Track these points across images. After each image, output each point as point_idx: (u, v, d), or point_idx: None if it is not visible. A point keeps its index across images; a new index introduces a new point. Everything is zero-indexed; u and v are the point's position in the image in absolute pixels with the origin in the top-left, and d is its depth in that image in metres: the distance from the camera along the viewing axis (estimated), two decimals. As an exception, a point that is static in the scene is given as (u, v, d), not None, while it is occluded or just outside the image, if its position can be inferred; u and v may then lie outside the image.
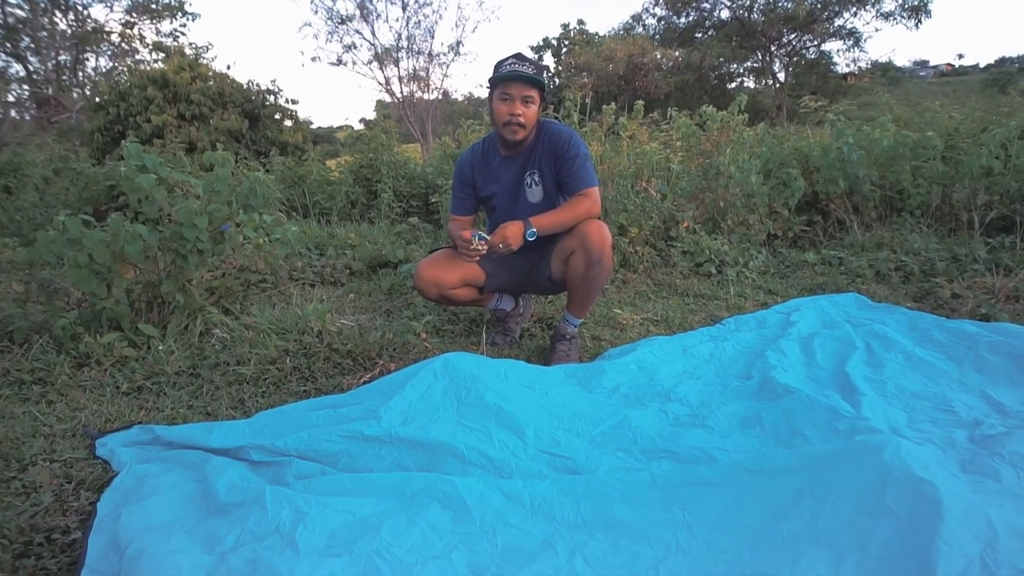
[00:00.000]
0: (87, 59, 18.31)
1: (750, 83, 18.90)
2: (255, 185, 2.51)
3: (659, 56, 15.79)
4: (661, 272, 3.52)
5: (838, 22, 16.55)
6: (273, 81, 14.44)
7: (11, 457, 1.53)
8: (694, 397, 1.80)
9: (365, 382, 2.03)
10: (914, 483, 1.00)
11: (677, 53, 16.35)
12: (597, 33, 19.51)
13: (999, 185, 3.76)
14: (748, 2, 16.38)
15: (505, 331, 2.47)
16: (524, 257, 2.27)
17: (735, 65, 17.58)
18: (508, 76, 2.04)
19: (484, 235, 2.03)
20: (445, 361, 1.68)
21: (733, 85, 18.18)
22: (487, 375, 1.68)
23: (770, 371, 1.88)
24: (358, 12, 15.35)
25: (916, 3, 15.63)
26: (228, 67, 16.35)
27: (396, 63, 15.22)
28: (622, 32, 17.72)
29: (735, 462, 1.26)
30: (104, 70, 18.36)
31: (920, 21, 15.97)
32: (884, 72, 20.43)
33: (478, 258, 2.09)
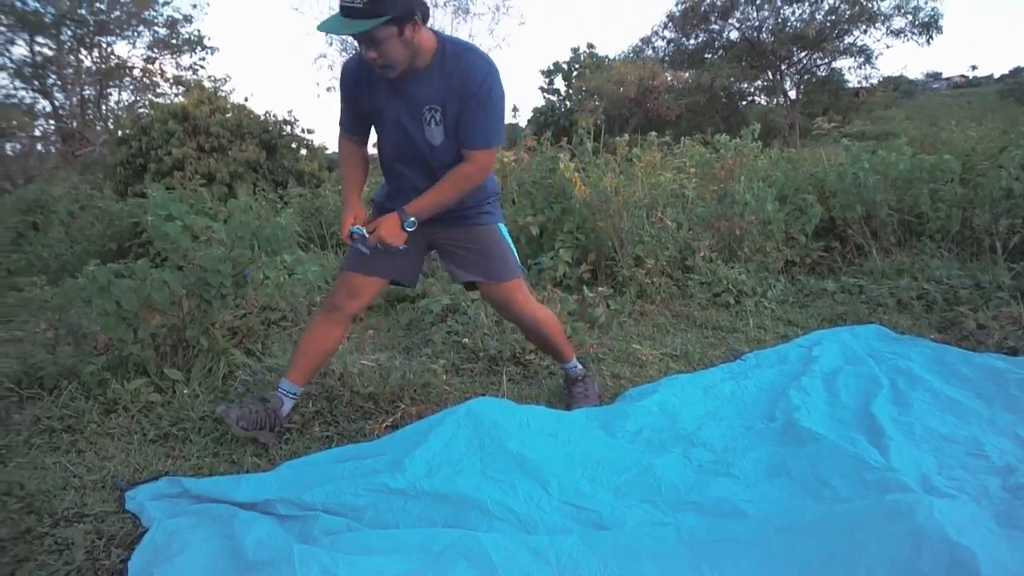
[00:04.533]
0: (110, 94, 18.85)
1: (761, 101, 18.96)
2: (276, 231, 2.55)
3: (669, 78, 15.91)
4: (679, 303, 3.51)
5: (848, 40, 16.60)
6: (290, 112, 14.73)
7: (44, 512, 1.55)
8: (718, 441, 1.79)
9: (387, 427, 2.05)
10: (950, 548, 0.98)
11: (687, 74, 16.47)
12: (607, 56, 19.73)
13: (1021, 208, 3.72)
14: (757, 23, 16.50)
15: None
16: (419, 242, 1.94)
17: (745, 84, 17.66)
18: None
19: (362, 231, 1.77)
20: (468, 409, 1.69)
21: (744, 104, 18.23)
22: (510, 423, 1.68)
23: (794, 412, 1.87)
24: (372, 42, 15.64)
25: (926, 20, 15.65)
26: (246, 99, 16.76)
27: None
28: (632, 55, 17.91)
29: (764, 517, 1.25)
30: (126, 104, 18.88)
31: (931, 37, 15.98)
32: (896, 86, 20.38)
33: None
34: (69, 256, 5.16)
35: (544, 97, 20.27)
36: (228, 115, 12.55)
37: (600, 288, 3.25)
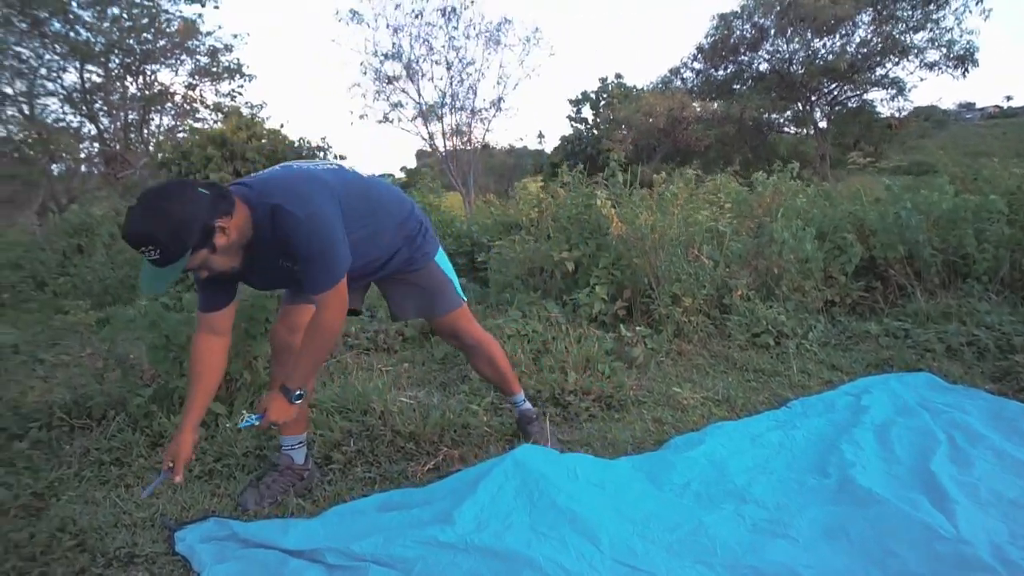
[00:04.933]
0: (152, 118, 19.50)
1: (790, 131, 18.84)
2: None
3: (698, 109, 15.95)
4: (717, 343, 3.46)
5: (880, 72, 16.48)
6: (323, 138, 15.04)
7: (96, 551, 1.57)
8: (769, 497, 1.74)
9: (429, 469, 2.03)
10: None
11: (715, 105, 16.50)
12: (635, 87, 19.91)
13: (1074, 252, 3.60)
14: (787, 55, 16.51)
15: None
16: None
17: (775, 115, 17.59)
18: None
19: (252, 420, 1.68)
20: (515, 460, 1.67)
21: (773, 134, 18.16)
22: (557, 474, 1.66)
23: (848, 469, 1.81)
24: (404, 72, 16.07)
25: (961, 52, 15.46)
26: (281, 125, 17.21)
27: (440, 119, 15.80)
28: (660, 86, 18.05)
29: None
30: (166, 128, 19.51)
31: (967, 70, 15.78)
32: (928, 116, 20.10)
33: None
34: (112, 280, 5.30)
35: (572, 126, 20.49)
36: (264, 141, 12.93)
37: (638, 328, 3.22)
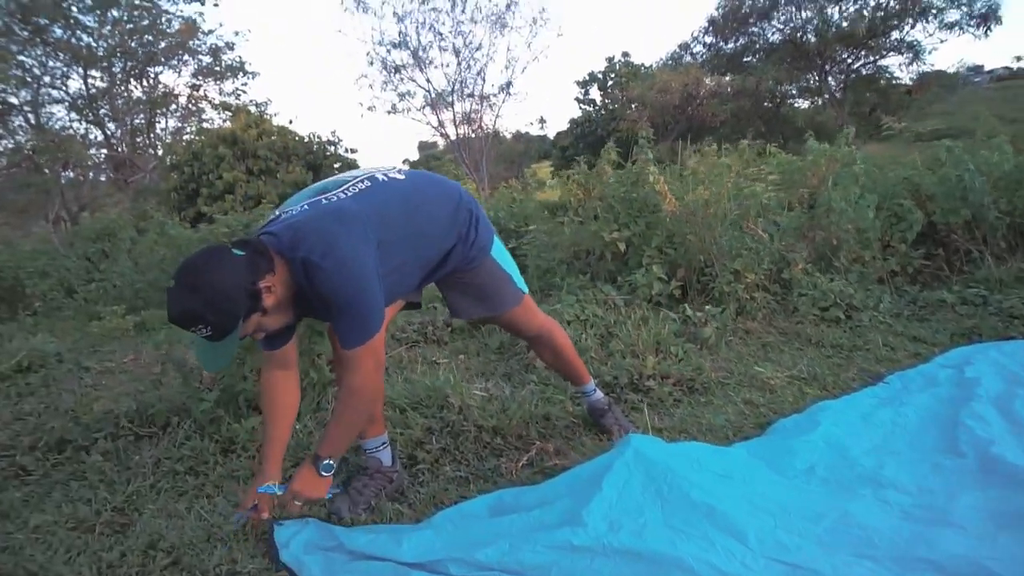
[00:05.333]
0: (158, 121, 19.41)
1: (804, 104, 18.48)
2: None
3: (710, 83, 15.64)
4: (782, 319, 3.31)
5: (896, 35, 16.05)
6: (333, 132, 14.89)
7: (195, 569, 1.45)
8: (908, 481, 1.60)
9: (524, 465, 1.91)
10: None
11: (728, 78, 16.16)
12: (643, 64, 19.56)
13: None
14: (800, 23, 16.11)
15: None
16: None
17: (789, 87, 17.22)
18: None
19: (274, 488, 1.54)
20: (636, 452, 1.54)
21: (788, 106, 17.80)
22: (681, 465, 1.53)
23: (989, 447, 1.67)
24: (412, 60, 15.83)
25: (984, 10, 15.01)
26: (290, 121, 17.06)
27: (450, 106, 15.58)
28: (670, 63, 17.69)
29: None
30: (172, 131, 19.42)
31: (990, 29, 15.32)
32: (936, 80, 19.61)
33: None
34: (143, 285, 5.20)
35: (580, 108, 20.19)
36: (274, 138, 12.79)
37: (708, 307, 3.08)
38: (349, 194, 1.56)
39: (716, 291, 3.42)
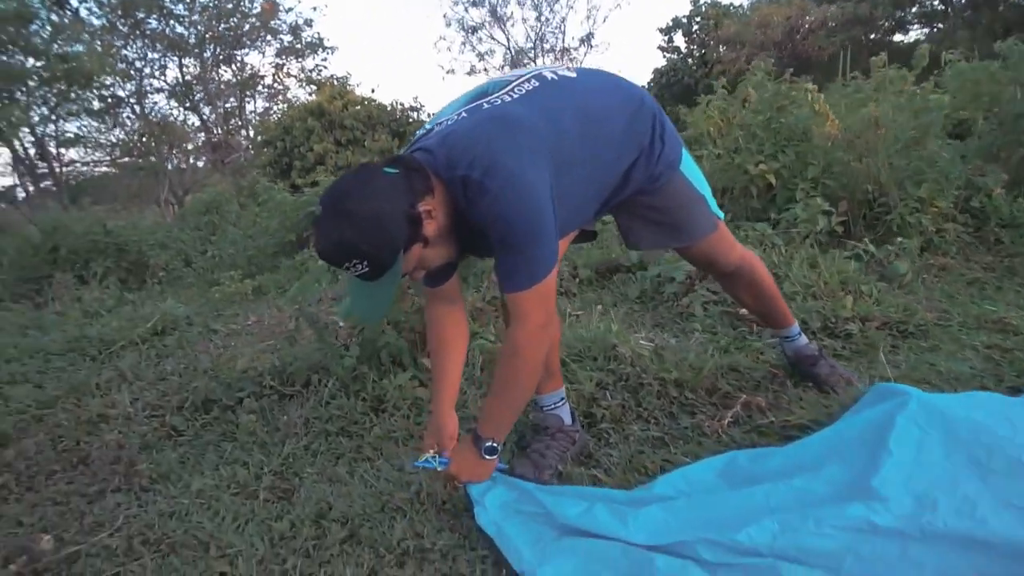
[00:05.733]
0: (247, 103, 20.13)
1: (921, 34, 16.42)
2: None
3: (815, 16, 14.13)
4: (984, 254, 2.76)
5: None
6: (415, 98, 14.78)
7: (377, 544, 1.24)
8: None
9: (730, 423, 1.58)
10: None
11: (832, 8, 14.54)
12: (732, 3, 18.03)
13: None
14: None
15: None
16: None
17: (910, 10, 15.27)
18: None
19: (433, 463, 1.34)
20: (922, 404, 1.17)
21: (904, 37, 15.88)
22: (989, 420, 1.14)
23: None
24: (490, 18, 15.35)
25: None
26: (372, 91, 17.17)
27: (531, 61, 15.01)
28: (765, -1, 16.16)
29: None
30: (261, 111, 20.09)
31: None
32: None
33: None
34: (254, 252, 5.24)
35: (664, 56, 18.99)
36: (359, 108, 12.83)
37: (899, 239, 2.59)
38: (514, 96, 1.25)
39: (893, 224, 2.90)
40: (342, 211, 1.10)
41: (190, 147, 19.60)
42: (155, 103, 18.20)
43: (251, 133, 18.60)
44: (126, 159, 17.99)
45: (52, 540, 1.34)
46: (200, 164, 20.31)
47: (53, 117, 14.69)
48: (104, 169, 18.78)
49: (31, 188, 15.72)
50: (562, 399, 1.59)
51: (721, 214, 1.55)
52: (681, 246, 1.52)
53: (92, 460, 1.72)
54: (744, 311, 2.24)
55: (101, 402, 2.15)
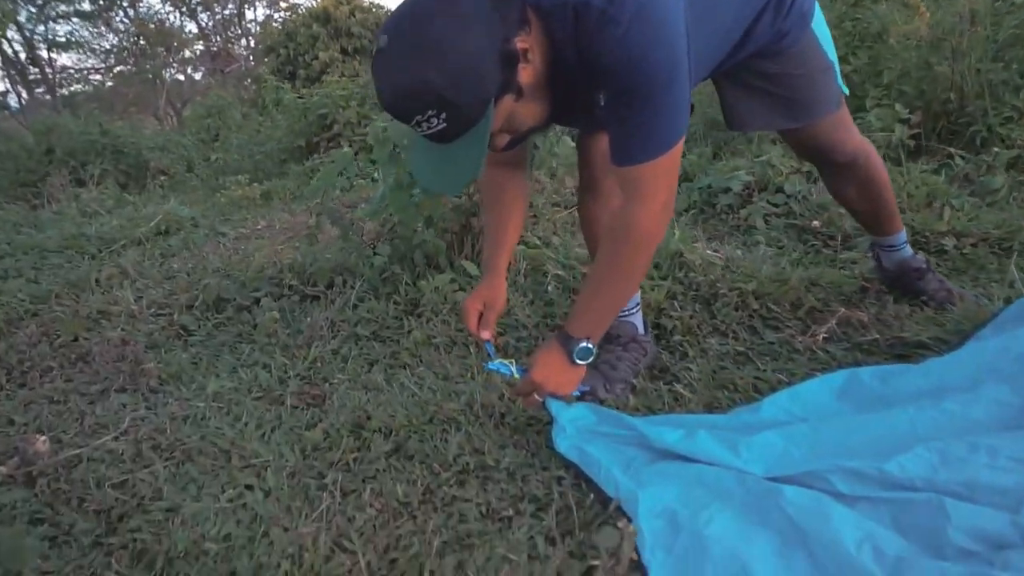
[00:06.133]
0: (247, 10, 19.03)
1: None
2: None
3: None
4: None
5: None
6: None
7: (430, 460, 1.05)
8: None
9: (825, 339, 1.37)
10: None
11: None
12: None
13: None
14: None
15: None
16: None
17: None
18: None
19: (510, 368, 1.11)
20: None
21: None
22: None
23: None
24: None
25: None
26: (378, -5, 16.08)
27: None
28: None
29: None
30: (262, 20, 19.03)
31: None
32: None
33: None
34: (260, 157, 4.93)
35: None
36: (367, 14, 12.08)
37: (996, 150, 2.30)
38: None
39: (977, 137, 2.60)
40: (419, 43, 0.82)
41: (188, 55, 18.70)
42: (150, 6, 17.15)
43: (251, 43, 17.68)
44: (121, 67, 17.20)
45: (48, 441, 1.17)
46: (198, 77, 19.47)
47: (42, 17, 13.89)
48: (98, 78, 18.00)
49: (24, 96, 15.10)
50: (637, 304, 1.37)
51: (846, 88, 1.27)
52: (797, 126, 1.25)
53: (93, 357, 1.53)
54: (815, 223, 1.99)
55: (102, 298, 1.95)
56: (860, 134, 1.37)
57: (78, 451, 1.15)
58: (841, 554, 0.75)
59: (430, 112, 0.83)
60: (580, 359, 1.05)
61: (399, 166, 1.67)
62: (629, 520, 0.86)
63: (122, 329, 1.72)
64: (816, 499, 0.84)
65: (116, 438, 1.19)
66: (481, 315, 1.16)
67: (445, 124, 0.85)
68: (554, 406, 1.06)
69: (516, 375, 1.09)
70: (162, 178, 4.99)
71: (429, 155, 0.93)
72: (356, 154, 3.87)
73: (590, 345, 1.04)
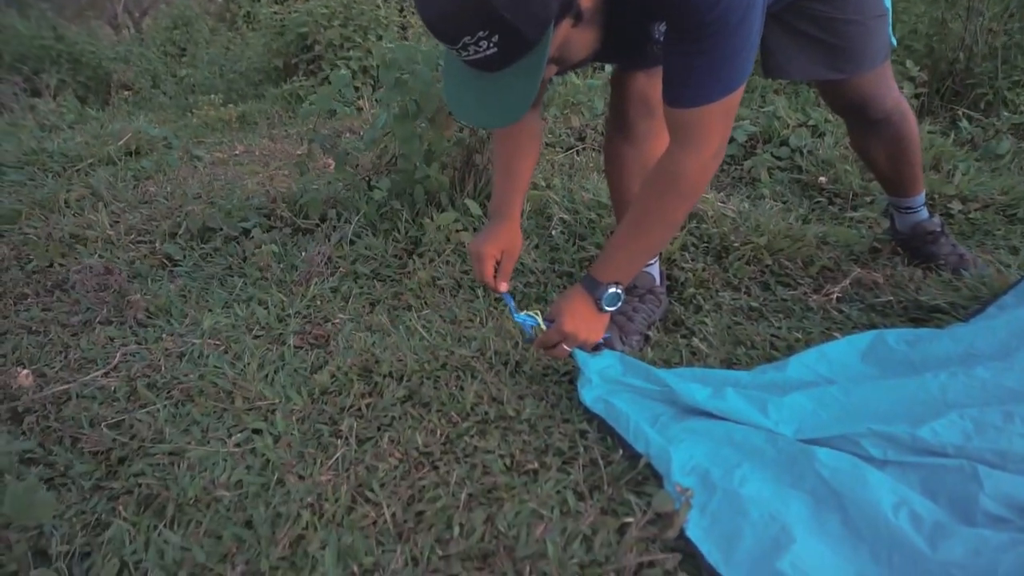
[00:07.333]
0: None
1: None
2: None
3: None
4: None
5: None
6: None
7: (447, 409, 1.01)
8: None
9: (839, 298, 1.36)
10: None
11: None
12: None
13: None
14: None
15: None
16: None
17: None
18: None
19: (536, 319, 1.07)
20: None
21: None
22: None
23: None
24: None
25: None
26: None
27: None
28: None
29: None
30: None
31: None
32: None
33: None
34: (234, 77, 4.63)
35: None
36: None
37: (1005, 113, 2.28)
38: None
39: (984, 100, 2.57)
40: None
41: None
42: None
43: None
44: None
45: (31, 376, 1.09)
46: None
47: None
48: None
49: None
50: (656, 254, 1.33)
51: (895, 39, 1.21)
52: (841, 77, 1.19)
53: (72, 285, 1.42)
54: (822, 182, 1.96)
55: (74, 221, 1.82)
56: (898, 90, 1.32)
57: (66, 387, 1.07)
58: (878, 518, 0.75)
59: (481, 33, 0.74)
60: (608, 305, 1.01)
61: (406, 93, 1.56)
62: (660, 478, 0.85)
63: (100, 256, 1.61)
64: (851, 462, 0.83)
65: (106, 374, 1.12)
66: (497, 264, 1.11)
67: (496, 49, 0.76)
68: (581, 357, 1.02)
69: (543, 327, 1.04)
70: (126, 93, 4.65)
71: (469, 84, 0.84)
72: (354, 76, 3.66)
73: (619, 291, 1.01)
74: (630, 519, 0.79)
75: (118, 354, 1.16)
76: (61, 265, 1.56)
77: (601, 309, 1.01)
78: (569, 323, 0.99)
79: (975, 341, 1.00)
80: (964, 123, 2.36)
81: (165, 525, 0.80)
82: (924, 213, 1.49)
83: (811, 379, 1.00)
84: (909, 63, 2.59)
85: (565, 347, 1.01)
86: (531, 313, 1.05)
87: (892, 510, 0.75)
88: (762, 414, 0.91)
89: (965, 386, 0.91)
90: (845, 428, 0.87)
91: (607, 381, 1.00)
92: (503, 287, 1.10)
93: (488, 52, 0.76)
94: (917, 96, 2.68)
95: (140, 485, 0.86)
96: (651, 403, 0.98)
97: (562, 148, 2.82)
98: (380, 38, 3.88)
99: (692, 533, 0.76)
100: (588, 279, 1.02)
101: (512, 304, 1.09)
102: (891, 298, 1.33)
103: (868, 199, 1.91)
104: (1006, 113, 2.29)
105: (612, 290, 1.00)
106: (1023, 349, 0.94)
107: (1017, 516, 0.75)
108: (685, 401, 0.95)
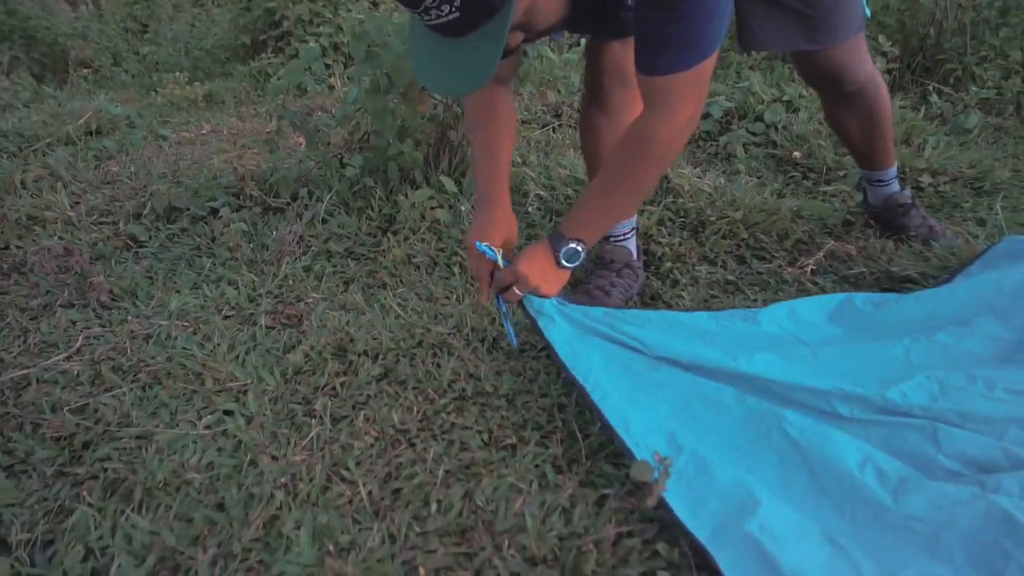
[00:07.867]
0: None
1: None
2: None
3: None
4: (1040, 115, 2.52)
5: None
6: None
7: (424, 386, 1.00)
8: None
9: (813, 270, 1.37)
10: None
11: None
12: None
13: None
14: None
15: None
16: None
17: None
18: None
19: (496, 254, 1.03)
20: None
21: None
22: None
23: None
24: None
25: None
26: None
27: None
28: None
29: None
30: None
31: None
32: None
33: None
34: (199, 55, 4.47)
35: None
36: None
37: (973, 88, 2.31)
38: None
39: (952, 76, 2.60)
40: None
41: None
42: None
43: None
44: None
45: (-11, 360, 1.04)
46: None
47: None
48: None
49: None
50: (633, 229, 1.33)
51: (868, 11, 1.21)
52: (817, 48, 1.18)
53: (30, 267, 1.37)
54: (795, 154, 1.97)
55: (31, 202, 1.74)
56: (872, 63, 1.32)
57: (25, 372, 1.04)
58: (843, 475, 0.76)
59: None
60: (567, 261, 1.00)
61: (378, 66, 1.51)
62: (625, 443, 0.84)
63: (60, 237, 1.55)
64: (816, 421, 0.84)
65: (69, 358, 1.08)
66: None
67: (458, 13, 0.74)
68: (535, 302, 1.01)
69: (501, 264, 1.01)
70: (85, 71, 4.47)
71: (434, 50, 0.81)
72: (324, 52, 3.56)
73: (579, 248, 0.99)
74: (608, 491, 0.79)
75: (80, 337, 1.13)
76: (18, 247, 1.50)
77: (559, 263, 1.00)
78: (524, 265, 0.98)
79: (937, 305, 1.02)
80: (934, 98, 2.39)
81: (133, 509, 0.78)
82: (895, 186, 1.51)
83: (779, 334, 1.01)
84: (881, 38, 2.61)
85: (516, 291, 0.99)
86: (491, 246, 1.02)
87: (858, 467, 0.76)
88: (733, 361, 0.92)
89: (927, 349, 0.93)
90: (816, 383, 0.88)
91: (573, 324, 0.99)
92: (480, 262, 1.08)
93: (451, 16, 0.74)
94: (889, 71, 2.71)
95: (106, 470, 0.84)
96: (621, 352, 0.97)
97: (538, 125, 2.79)
98: (350, 12, 3.78)
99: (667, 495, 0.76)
100: (553, 234, 1.01)
101: (504, 309, 1.06)
102: (864, 269, 1.35)
103: (841, 173, 1.93)
104: (974, 88, 2.33)
105: (573, 246, 0.99)
106: (982, 315, 0.96)
107: (970, 470, 0.77)
108: (655, 351, 0.95)
